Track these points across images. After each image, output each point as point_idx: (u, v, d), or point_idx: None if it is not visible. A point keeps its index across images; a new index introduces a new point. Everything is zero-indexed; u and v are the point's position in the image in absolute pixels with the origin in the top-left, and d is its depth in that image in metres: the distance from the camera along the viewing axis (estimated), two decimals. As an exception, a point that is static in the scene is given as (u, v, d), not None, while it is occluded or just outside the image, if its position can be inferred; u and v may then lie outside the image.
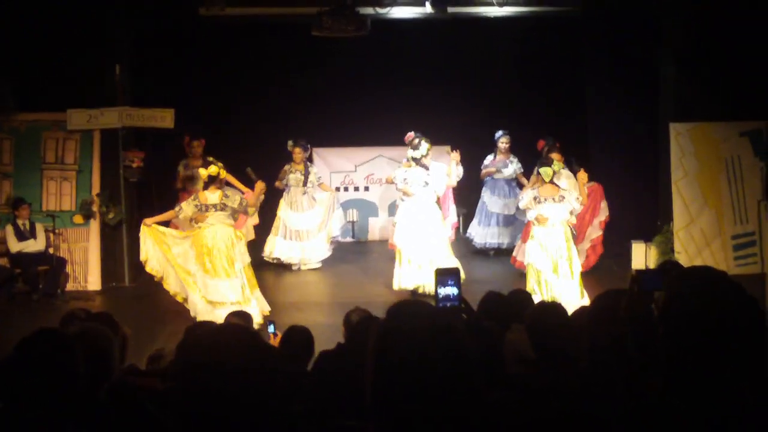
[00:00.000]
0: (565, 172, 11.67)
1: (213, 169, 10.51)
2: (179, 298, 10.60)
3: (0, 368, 3.30)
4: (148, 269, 10.63)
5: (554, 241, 10.46)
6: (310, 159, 14.32)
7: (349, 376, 4.37)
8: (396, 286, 11.70)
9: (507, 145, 14.19)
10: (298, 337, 5.90)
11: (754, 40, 12.07)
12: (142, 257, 10.55)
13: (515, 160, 14.27)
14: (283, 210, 13.73)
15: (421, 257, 11.54)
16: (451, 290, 3.42)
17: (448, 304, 3.41)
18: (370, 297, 11.37)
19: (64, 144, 13.01)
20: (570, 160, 12.70)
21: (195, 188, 12.73)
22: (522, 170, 14.14)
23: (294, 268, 13.74)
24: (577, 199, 10.59)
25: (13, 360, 3.33)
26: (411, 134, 13.01)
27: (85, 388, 3.41)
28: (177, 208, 10.69)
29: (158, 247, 10.45)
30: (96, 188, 12.96)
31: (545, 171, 10.51)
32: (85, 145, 13.01)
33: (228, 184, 12.25)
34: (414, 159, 11.76)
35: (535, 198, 10.53)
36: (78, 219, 12.91)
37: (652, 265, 12.92)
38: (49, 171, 13.02)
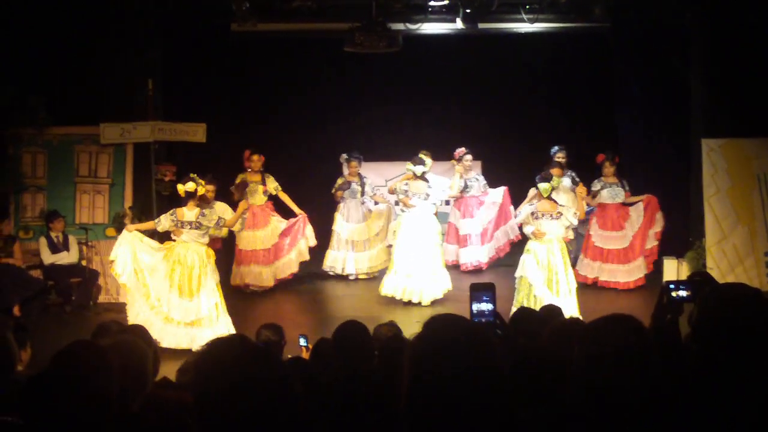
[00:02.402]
0: (564, 188, 12.03)
1: (190, 186, 10.41)
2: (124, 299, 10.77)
3: (37, 381, 3.32)
4: (112, 270, 10.68)
5: (550, 256, 10.54)
6: (341, 171, 14.39)
7: (378, 389, 4.38)
8: (383, 291, 12.27)
9: (564, 160, 13.57)
10: (328, 350, 5.90)
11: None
12: (111, 257, 10.61)
13: (573, 174, 13.88)
14: (338, 223, 13.91)
15: (411, 267, 12.03)
16: (486, 306, 3.42)
17: (483, 320, 3.40)
18: (400, 312, 11.48)
19: (97, 158, 13.13)
20: (571, 175, 12.84)
21: (245, 196, 12.88)
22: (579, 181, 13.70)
23: (351, 278, 13.92)
24: (575, 214, 10.73)
25: (50, 373, 3.35)
26: (462, 150, 13.27)
27: (120, 401, 3.42)
28: (156, 220, 10.73)
29: (130, 256, 10.44)
30: (128, 201, 13.06)
31: (543, 187, 10.57)
32: (118, 158, 13.12)
33: (280, 203, 12.84)
34: (414, 173, 12.20)
35: (532, 213, 10.62)
36: (111, 232, 12.98)
37: (683, 281, 12.82)
38: (82, 184, 13.13)
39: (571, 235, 11.14)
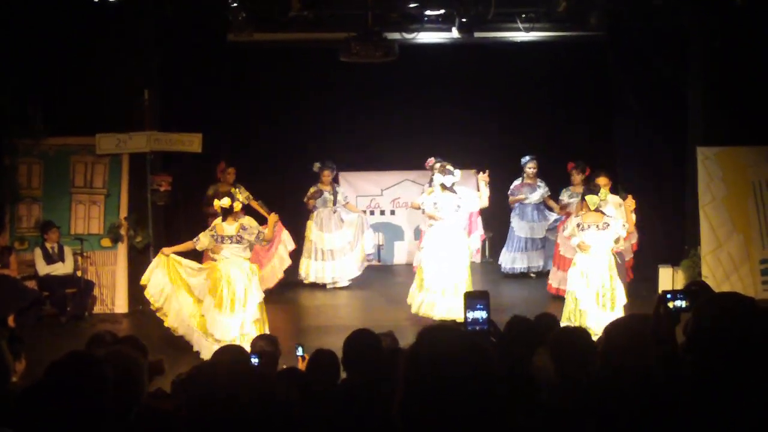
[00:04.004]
0: (613, 199, 11.38)
1: (225, 202, 10.26)
2: (175, 332, 10.33)
3: (32, 392, 3.31)
4: (146, 293, 10.41)
5: (596, 269, 10.28)
6: (335, 180, 14.47)
7: (376, 400, 4.37)
8: (415, 310, 11.57)
9: (534, 170, 14.19)
10: (325, 361, 5.89)
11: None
12: (143, 281, 10.38)
13: (542, 184, 14.27)
14: (313, 232, 13.98)
15: (444, 283, 11.37)
16: (480, 314, 3.42)
17: (477, 328, 3.41)
18: (396, 321, 11.32)
19: (92, 168, 13.13)
20: (616, 186, 12.62)
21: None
22: (549, 193, 14.16)
23: (328, 287, 14.00)
24: (624, 225, 10.39)
25: (44, 384, 3.34)
26: (432, 159, 13.13)
27: (115, 411, 3.42)
28: (195, 239, 10.39)
29: (168, 278, 10.24)
30: (124, 212, 13.05)
31: (591, 199, 10.33)
32: (113, 169, 13.11)
33: (252, 210, 12.41)
34: (443, 185, 11.48)
35: (578, 225, 10.40)
36: (106, 242, 12.99)
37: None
38: (77, 195, 13.13)
39: (622, 246, 10.77)
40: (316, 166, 13.96)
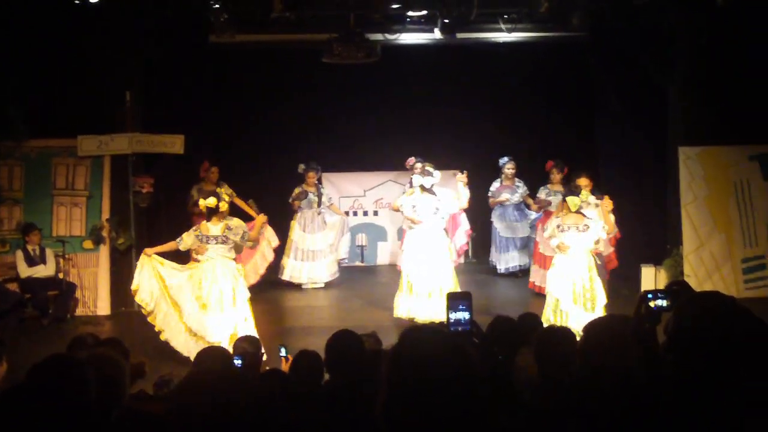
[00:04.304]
0: (594, 201, 11.38)
1: (211, 201, 10.19)
2: (162, 336, 10.20)
3: (13, 395, 3.29)
4: (137, 299, 10.35)
5: (576, 270, 10.30)
6: (319, 181, 14.49)
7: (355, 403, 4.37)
8: (397, 314, 11.54)
9: (513, 171, 14.28)
10: (308, 362, 5.89)
11: (763, 64, 12.09)
12: (134, 286, 10.28)
13: (521, 184, 14.36)
14: (296, 232, 14.01)
15: (429, 285, 11.35)
16: (462, 315, 3.42)
17: (460, 329, 3.41)
18: (379, 322, 11.30)
19: (74, 170, 13.08)
20: (597, 187, 12.66)
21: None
22: (528, 192, 14.23)
23: (304, 287, 14.05)
24: (603, 227, 10.45)
25: (26, 386, 3.32)
26: (412, 159, 13.21)
27: (97, 413, 3.41)
28: (178, 239, 10.32)
29: (155, 279, 10.18)
30: (106, 214, 13.01)
31: (572, 200, 10.35)
32: (95, 171, 13.07)
33: (237, 208, 12.41)
34: (423, 186, 11.47)
35: (558, 226, 10.42)
36: (88, 244, 12.94)
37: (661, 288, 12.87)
38: (59, 197, 13.08)
39: (601, 247, 10.79)
40: (301, 167, 13.98)
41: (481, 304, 11.16)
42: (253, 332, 9.97)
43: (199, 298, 10.06)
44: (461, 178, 11.46)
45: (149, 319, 10.30)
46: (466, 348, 2.37)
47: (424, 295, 11.34)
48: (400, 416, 2.28)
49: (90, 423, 3.33)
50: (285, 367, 6.57)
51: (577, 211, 10.37)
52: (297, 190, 13.98)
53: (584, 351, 3.50)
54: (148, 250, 10.41)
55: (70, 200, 13.08)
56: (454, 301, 3.46)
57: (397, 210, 12.09)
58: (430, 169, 11.48)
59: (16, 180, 13.02)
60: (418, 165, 13.27)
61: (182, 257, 10.91)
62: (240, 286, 10.22)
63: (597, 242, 10.42)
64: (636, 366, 3.22)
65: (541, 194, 13.44)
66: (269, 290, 13.80)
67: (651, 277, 13.11)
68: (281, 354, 7.09)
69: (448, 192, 11.73)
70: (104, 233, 12.90)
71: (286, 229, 14.10)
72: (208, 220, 10.25)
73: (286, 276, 14.08)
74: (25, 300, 12.25)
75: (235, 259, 10.39)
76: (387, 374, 2.35)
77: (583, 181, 11.46)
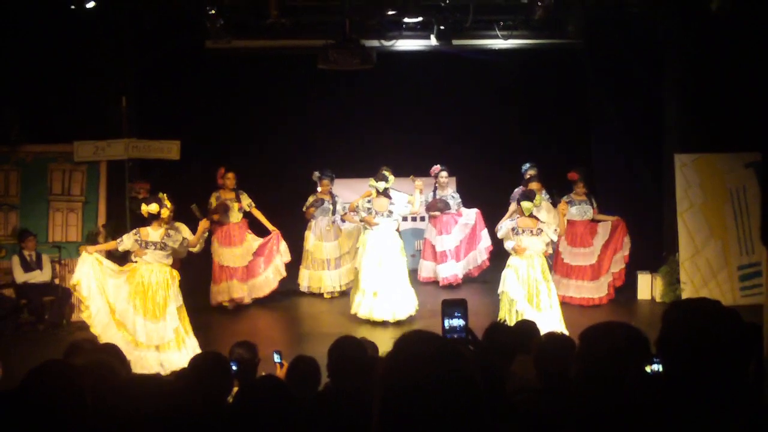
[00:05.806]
0: (546, 204, 12.10)
1: (153, 207, 10.22)
2: (93, 330, 10.10)
3: (7, 400, 3.29)
4: (76, 293, 10.39)
5: (530, 271, 10.60)
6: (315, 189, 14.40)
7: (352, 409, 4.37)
8: (353, 310, 12.24)
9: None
10: (305, 368, 5.88)
11: (758, 72, 12.10)
12: (74, 281, 10.27)
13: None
14: (310, 241, 13.88)
15: (378, 285, 11.97)
16: (457, 322, 3.41)
17: (455, 336, 3.40)
18: (373, 328, 11.43)
19: (70, 175, 13.07)
20: (551, 191, 12.86)
21: (227, 220, 12.92)
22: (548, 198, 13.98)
23: (326, 296, 13.88)
24: (555, 231, 10.80)
25: (21, 392, 3.32)
26: (437, 167, 13.33)
27: (92, 420, 3.40)
28: (119, 240, 10.41)
29: (93, 276, 10.16)
30: (102, 219, 12.99)
31: (525, 205, 10.67)
32: (91, 176, 13.06)
33: (252, 219, 13.05)
34: (377, 189, 12.20)
35: (513, 229, 10.69)
36: (84, 250, 12.93)
37: (657, 295, 12.96)
38: (55, 202, 13.06)
39: (550, 250, 11.24)
40: (315, 175, 13.83)
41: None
42: (191, 340, 10.29)
43: (136, 302, 10.10)
44: (419, 184, 12.26)
45: (83, 315, 10.31)
46: (463, 353, 2.37)
47: (380, 294, 11.99)
48: (395, 423, 2.28)
49: (85, 430, 3.33)
50: (280, 373, 6.56)
51: (531, 215, 10.75)
52: (311, 198, 13.81)
53: (582, 358, 3.50)
54: (89, 248, 10.50)
55: (66, 206, 13.06)
56: (449, 308, 3.45)
57: (354, 210, 12.67)
58: (385, 173, 12.24)
59: (12, 185, 12.99)
60: (443, 173, 13.50)
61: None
62: (171, 294, 10.24)
63: (548, 244, 10.96)
64: (632, 374, 3.23)
65: (563, 204, 13.36)
66: (289, 298, 13.76)
67: (647, 285, 13.17)
68: (276, 360, 7.09)
69: (400, 196, 12.48)
70: (100, 239, 12.86)
71: (288, 236, 13.89)
72: (149, 225, 10.31)
73: (303, 287, 13.91)
74: (20, 305, 12.24)
75: (171, 265, 10.40)
76: (382, 380, 2.35)
77: (536, 185, 12.26)
